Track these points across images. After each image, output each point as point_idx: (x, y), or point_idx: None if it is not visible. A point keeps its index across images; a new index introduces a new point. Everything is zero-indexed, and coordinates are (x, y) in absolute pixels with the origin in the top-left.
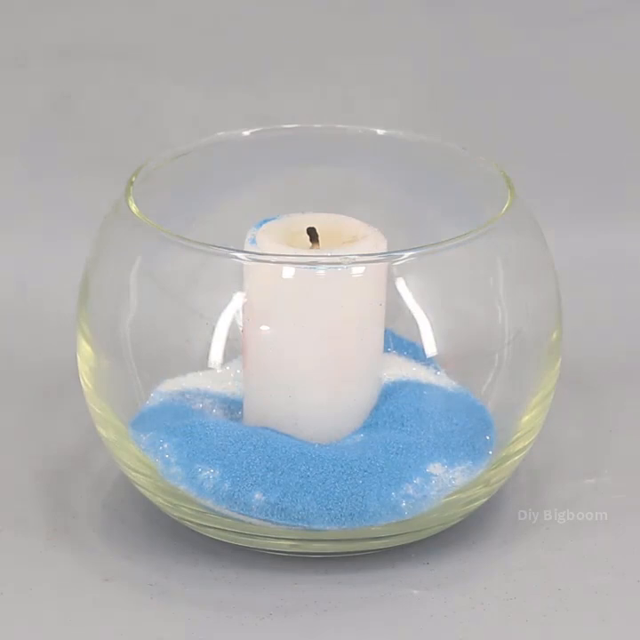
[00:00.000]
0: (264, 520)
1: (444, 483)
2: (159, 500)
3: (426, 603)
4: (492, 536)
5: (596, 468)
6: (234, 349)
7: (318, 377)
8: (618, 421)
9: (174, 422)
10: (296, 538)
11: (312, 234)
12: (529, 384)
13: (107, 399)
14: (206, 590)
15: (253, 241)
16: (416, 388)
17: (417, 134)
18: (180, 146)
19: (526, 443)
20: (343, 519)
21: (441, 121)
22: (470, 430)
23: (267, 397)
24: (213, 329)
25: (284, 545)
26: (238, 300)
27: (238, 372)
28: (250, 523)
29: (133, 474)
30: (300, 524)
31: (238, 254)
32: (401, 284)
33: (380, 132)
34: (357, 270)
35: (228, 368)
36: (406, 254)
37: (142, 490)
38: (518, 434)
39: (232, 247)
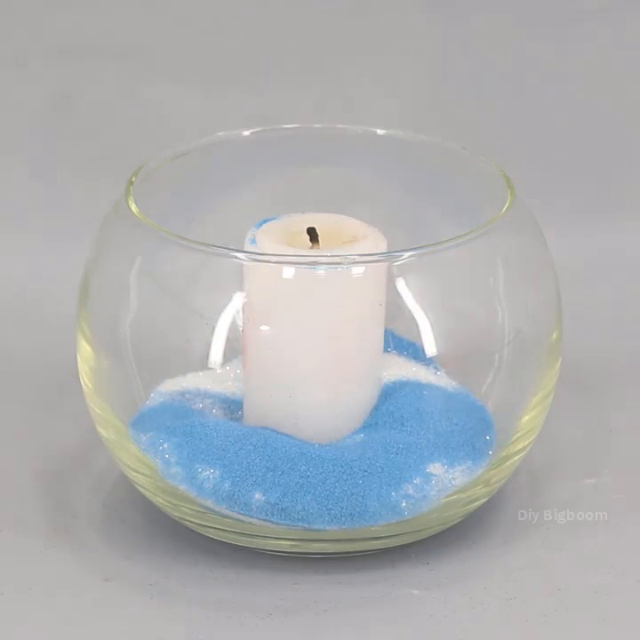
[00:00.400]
0: (264, 520)
1: (444, 483)
2: (159, 499)
3: (426, 603)
4: (492, 536)
5: (596, 468)
6: (234, 349)
7: (318, 377)
8: (618, 421)
9: (174, 422)
10: (296, 538)
11: (312, 234)
12: (529, 384)
13: (107, 399)
14: (206, 590)
15: (253, 241)
16: (416, 388)
17: (417, 134)
18: (180, 146)
19: (526, 443)
20: (343, 519)
21: (441, 121)
22: (470, 430)
23: (267, 397)
24: (213, 329)
25: (284, 545)
26: (238, 300)
27: (238, 371)
28: (250, 523)
29: (133, 474)
30: (299, 524)
31: (238, 254)
32: (401, 284)
33: (379, 132)
34: (357, 270)
35: (227, 368)
36: (406, 254)
37: (142, 490)
38: (518, 434)
39: (232, 247)
